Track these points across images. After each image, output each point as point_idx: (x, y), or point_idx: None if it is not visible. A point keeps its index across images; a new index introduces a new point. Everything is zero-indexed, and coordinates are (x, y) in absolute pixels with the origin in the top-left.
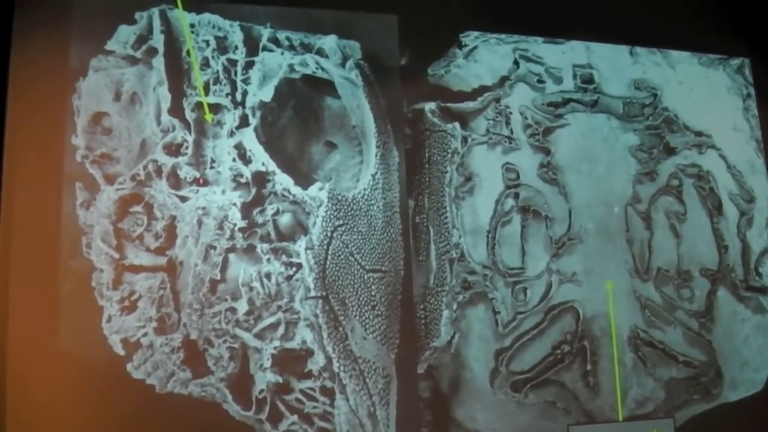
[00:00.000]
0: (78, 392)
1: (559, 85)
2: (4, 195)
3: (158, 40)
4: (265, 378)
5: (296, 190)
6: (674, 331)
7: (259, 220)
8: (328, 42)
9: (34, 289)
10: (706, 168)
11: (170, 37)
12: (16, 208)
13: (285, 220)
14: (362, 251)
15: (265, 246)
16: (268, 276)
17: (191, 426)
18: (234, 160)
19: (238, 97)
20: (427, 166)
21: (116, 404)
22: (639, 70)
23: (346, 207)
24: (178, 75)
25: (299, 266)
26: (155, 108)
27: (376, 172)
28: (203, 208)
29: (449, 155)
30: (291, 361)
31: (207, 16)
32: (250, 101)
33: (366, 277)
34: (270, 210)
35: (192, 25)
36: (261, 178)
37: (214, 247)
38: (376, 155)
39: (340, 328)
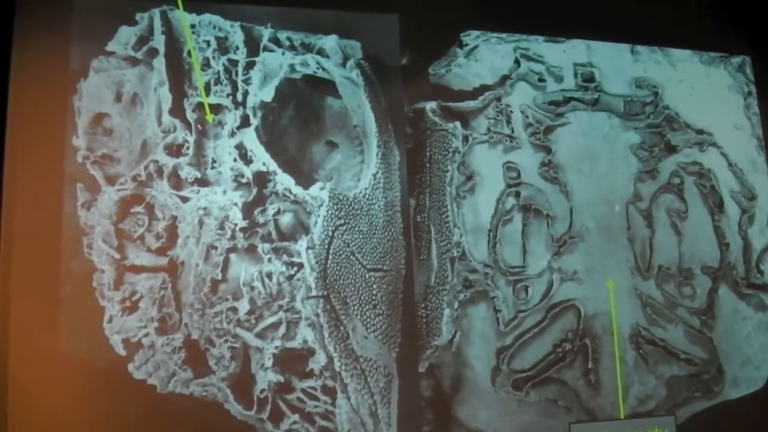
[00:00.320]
0: (79, 392)
1: (560, 83)
2: (5, 196)
3: (159, 41)
4: (266, 377)
5: (297, 190)
6: (675, 328)
7: (260, 219)
8: (329, 42)
9: (35, 289)
10: (708, 166)
11: (171, 37)
12: (17, 209)
13: (286, 219)
14: (363, 250)
15: (267, 246)
16: (269, 275)
17: (193, 426)
18: (235, 160)
19: (239, 97)
20: (428, 165)
21: (118, 404)
22: (640, 69)
23: (347, 206)
24: (178, 75)
25: (300, 266)
26: (156, 109)
27: (377, 172)
28: (204, 209)
29: (450, 154)
30: (292, 361)
31: (208, 17)
32: (251, 101)
33: (367, 276)
34: (271, 210)
35: (193, 26)
36: (262, 178)
37: (216, 247)
38: (377, 155)
39: (342, 328)
